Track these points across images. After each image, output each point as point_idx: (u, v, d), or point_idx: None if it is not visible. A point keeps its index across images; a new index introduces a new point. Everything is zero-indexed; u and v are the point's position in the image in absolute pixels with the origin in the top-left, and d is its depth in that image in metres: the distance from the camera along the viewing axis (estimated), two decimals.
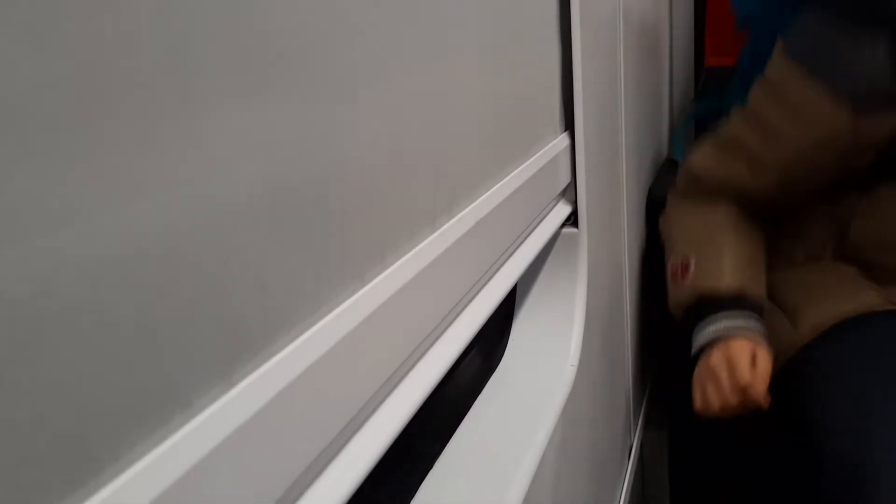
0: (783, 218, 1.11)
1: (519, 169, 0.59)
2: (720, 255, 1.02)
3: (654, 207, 1.35)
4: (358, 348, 0.33)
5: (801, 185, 1.04)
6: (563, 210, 0.75)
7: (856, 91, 0.93)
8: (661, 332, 1.57)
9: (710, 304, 0.99)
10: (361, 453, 0.35)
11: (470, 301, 0.51)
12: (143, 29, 0.21)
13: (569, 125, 0.74)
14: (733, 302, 0.98)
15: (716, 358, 0.94)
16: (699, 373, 0.97)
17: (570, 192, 0.76)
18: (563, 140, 0.72)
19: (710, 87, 1.71)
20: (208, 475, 0.24)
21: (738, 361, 0.91)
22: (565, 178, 0.74)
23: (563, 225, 0.75)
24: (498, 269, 0.57)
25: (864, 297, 1.00)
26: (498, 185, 0.54)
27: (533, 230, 0.66)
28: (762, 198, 1.05)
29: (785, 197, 1.06)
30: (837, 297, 1.02)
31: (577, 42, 0.71)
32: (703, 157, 1.08)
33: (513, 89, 0.59)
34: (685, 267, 1.03)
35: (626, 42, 1.03)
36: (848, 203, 1.06)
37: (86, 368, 0.19)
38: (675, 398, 1.47)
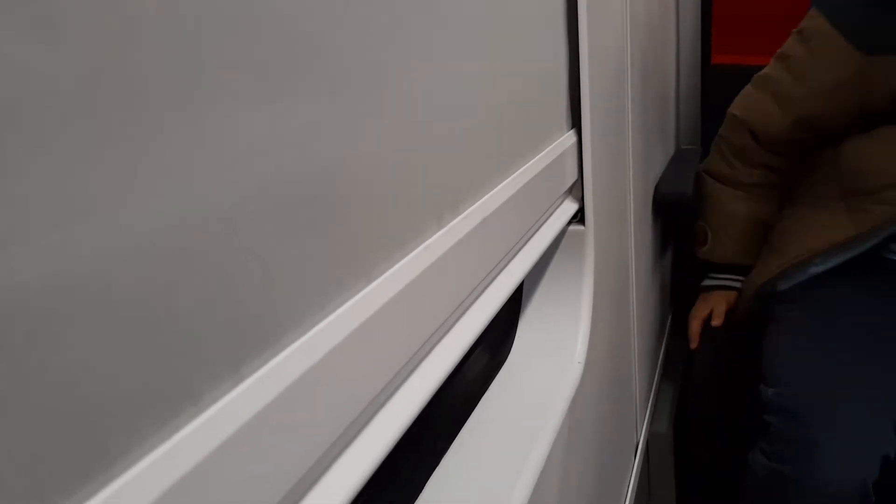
0: (798, 166, 1.34)
1: (526, 166, 0.59)
2: (726, 238, 1.39)
3: (660, 204, 1.35)
4: (365, 344, 0.33)
5: (822, 124, 1.23)
6: (569, 207, 0.75)
7: (867, 36, 1.13)
8: (668, 328, 1.57)
9: (711, 266, 1.44)
10: (369, 448, 0.36)
11: (477, 297, 0.51)
12: (151, 28, 0.21)
13: (576, 122, 0.74)
14: (724, 268, 1.41)
15: (698, 303, 1.43)
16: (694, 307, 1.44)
17: (576, 190, 0.76)
18: (569, 137, 0.72)
19: (717, 84, 1.71)
20: (217, 469, 0.24)
21: (699, 310, 1.40)
22: (572, 176, 0.74)
23: (569, 222, 0.75)
24: (505, 266, 0.57)
25: (837, 229, 1.18)
26: (504, 183, 0.54)
27: (540, 227, 0.66)
28: (784, 136, 1.28)
29: (804, 136, 1.27)
30: (814, 229, 1.22)
31: (584, 39, 0.71)
32: (740, 98, 1.35)
33: (520, 86, 0.59)
34: (704, 237, 1.42)
35: (633, 39, 1.02)
36: (851, 142, 1.22)
37: (96, 363, 0.20)
38: (681, 395, 1.47)
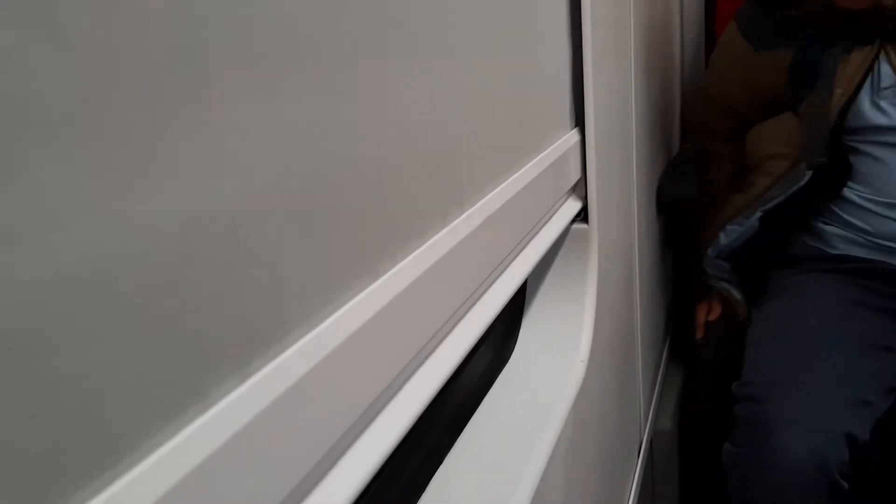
0: None
1: (529, 165, 0.59)
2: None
3: (663, 203, 1.35)
4: (370, 342, 0.33)
5: (737, 111, 1.43)
6: (573, 206, 0.75)
7: (755, 33, 1.33)
8: (671, 327, 1.57)
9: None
10: (374, 445, 0.36)
11: (481, 295, 0.51)
12: (157, 25, 0.21)
13: (579, 121, 0.74)
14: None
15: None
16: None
17: (580, 188, 0.76)
18: (573, 136, 0.72)
19: None
20: (223, 466, 0.24)
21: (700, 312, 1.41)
22: (576, 174, 0.74)
23: (573, 221, 0.75)
24: (509, 265, 0.57)
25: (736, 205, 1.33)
26: (508, 181, 0.54)
27: (543, 226, 0.66)
28: (715, 125, 1.47)
29: (731, 124, 1.45)
30: (725, 208, 1.34)
31: (587, 38, 0.71)
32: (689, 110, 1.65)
33: (523, 85, 0.59)
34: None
35: (637, 38, 1.02)
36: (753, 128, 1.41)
37: (104, 360, 0.20)
38: (685, 393, 1.47)
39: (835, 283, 1.24)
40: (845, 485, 0.99)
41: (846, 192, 1.25)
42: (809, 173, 1.24)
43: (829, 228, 1.28)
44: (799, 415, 1.01)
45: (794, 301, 1.23)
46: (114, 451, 0.20)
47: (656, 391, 1.37)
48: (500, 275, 0.55)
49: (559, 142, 0.68)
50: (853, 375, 1.07)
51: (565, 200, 0.74)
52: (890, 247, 1.23)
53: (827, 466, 0.98)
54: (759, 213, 1.29)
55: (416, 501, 0.53)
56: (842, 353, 1.10)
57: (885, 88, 1.20)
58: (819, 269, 1.27)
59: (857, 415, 1.03)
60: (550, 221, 0.68)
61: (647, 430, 1.23)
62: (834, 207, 1.27)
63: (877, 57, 1.21)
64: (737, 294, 1.36)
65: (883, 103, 1.20)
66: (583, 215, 0.76)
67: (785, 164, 1.29)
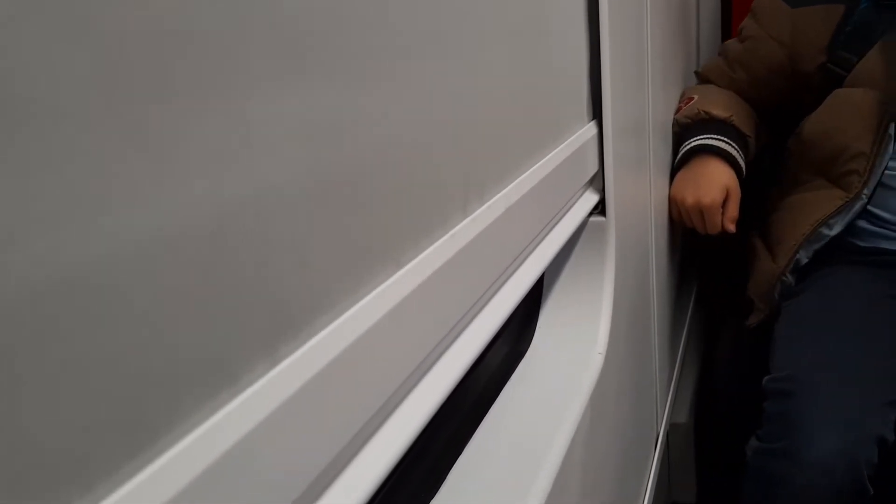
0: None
1: (548, 157, 0.60)
2: (719, 99, 1.29)
3: None
4: (394, 330, 0.34)
5: (765, 84, 1.33)
6: (590, 198, 0.75)
7: None
8: (688, 319, 1.57)
9: (702, 124, 1.25)
10: (395, 435, 0.36)
11: (500, 287, 0.52)
12: (187, 10, 0.22)
13: (596, 114, 0.74)
14: (721, 124, 1.24)
15: (693, 169, 1.23)
16: (678, 181, 1.25)
17: (597, 181, 0.76)
18: (590, 129, 0.72)
19: None
20: (255, 449, 0.24)
21: (713, 213, 1.20)
22: (593, 167, 0.74)
23: (590, 213, 0.75)
24: (527, 257, 0.58)
25: (828, 203, 1.20)
26: (528, 173, 0.55)
27: (561, 218, 0.67)
28: (745, 93, 1.34)
29: (753, 95, 1.34)
30: (809, 209, 1.22)
31: (605, 30, 0.71)
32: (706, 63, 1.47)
33: (542, 78, 0.59)
34: (689, 99, 1.30)
35: (653, 29, 1.02)
36: (804, 121, 1.29)
37: (142, 343, 0.20)
38: (702, 386, 1.47)
39: (866, 277, 1.20)
40: (871, 489, 0.96)
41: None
42: None
43: (858, 221, 1.22)
44: (830, 413, 0.98)
45: (826, 295, 1.18)
46: (151, 430, 0.21)
47: (673, 384, 1.36)
48: (518, 266, 0.56)
49: (577, 134, 0.68)
50: (886, 374, 1.04)
51: (583, 193, 0.74)
52: None
53: (857, 467, 0.95)
54: (864, 201, 1.18)
55: (436, 491, 0.54)
56: (875, 350, 1.07)
57: None
58: (850, 261, 1.23)
59: (887, 415, 1.01)
60: (568, 214, 0.69)
61: (663, 423, 1.23)
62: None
63: None
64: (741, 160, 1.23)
65: None
66: (600, 208, 0.76)
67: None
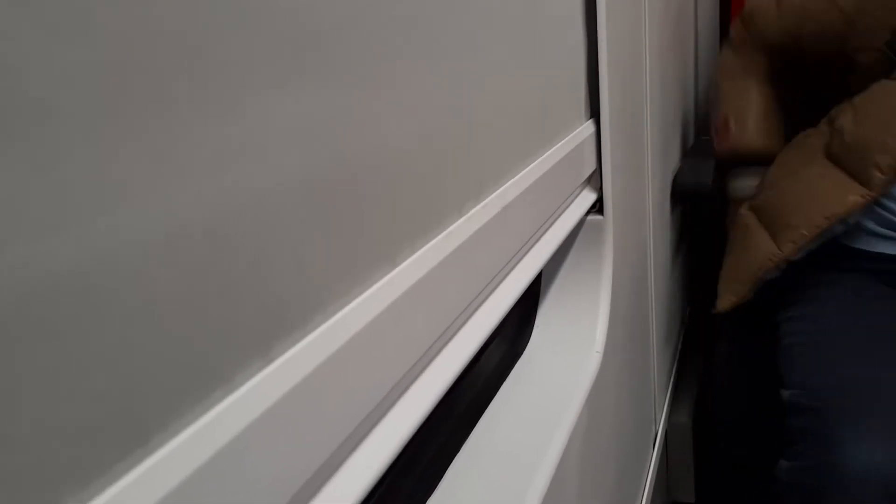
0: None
1: (545, 155, 0.60)
2: (749, 120, 1.42)
3: (678, 194, 1.35)
4: (388, 330, 0.34)
5: (808, 43, 1.34)
6: (588, 197, 0.75)
7: None
8: (686, 318, 1.57)
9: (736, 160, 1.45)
10: (390, 435, 0.36)
11: (497, 287, 0.52)
12: (187, 10, 0.22)
13: (594, 112, 0.74)
14: (748, 158, 1.43)
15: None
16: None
17: (595, 180, 0.76)
18: (588, 127, 0.72)
19: None
20: (248, 447, 0.24)
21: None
22: (591, 166, 0.74)
23: (588, 212, 0.75)
24: (524, 256, 0.58)
25: (847, 198, 1.16)
26: (524, 172, 0.55)
27: (559, 217, 0.67)
28: (775, 40, 1.39)
29: (790, 47, 1.37)
30: (822, 200, 1.18)
31: (602, 29, 0.71)
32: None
33: (539, 77, 0.59)
34: (726, 125, 1.44)
35: (652, 28, 1.02)
36: (842, 105, 1.26)
37: (136, 342, 0.20)
38: (701, 386, 1.47)
39: (874, 283, 1.18)
40: None
41: None
42: None
43: (864, 224, 1.20)
44: (861, 428, 0.96)
45: (836, 303, 1.16)
46: (145, 429, 0.21)
47: (671, 383, 1.36)
48: (515, 265, 0.55)
49: (574, 133, 0.68)
50: None
51: (580, 192, 0.74)
52: None
53: (891, 483, 0.93)
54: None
55: (432, 492, 0.54)
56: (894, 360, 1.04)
57: None
58: (858, 268, 1.21)
59: None
60: (566, 213, 0.68)
61: (661, 423, 1.23)
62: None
63: None
64: None
65: None
66: (598, 207, 0.76)
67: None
